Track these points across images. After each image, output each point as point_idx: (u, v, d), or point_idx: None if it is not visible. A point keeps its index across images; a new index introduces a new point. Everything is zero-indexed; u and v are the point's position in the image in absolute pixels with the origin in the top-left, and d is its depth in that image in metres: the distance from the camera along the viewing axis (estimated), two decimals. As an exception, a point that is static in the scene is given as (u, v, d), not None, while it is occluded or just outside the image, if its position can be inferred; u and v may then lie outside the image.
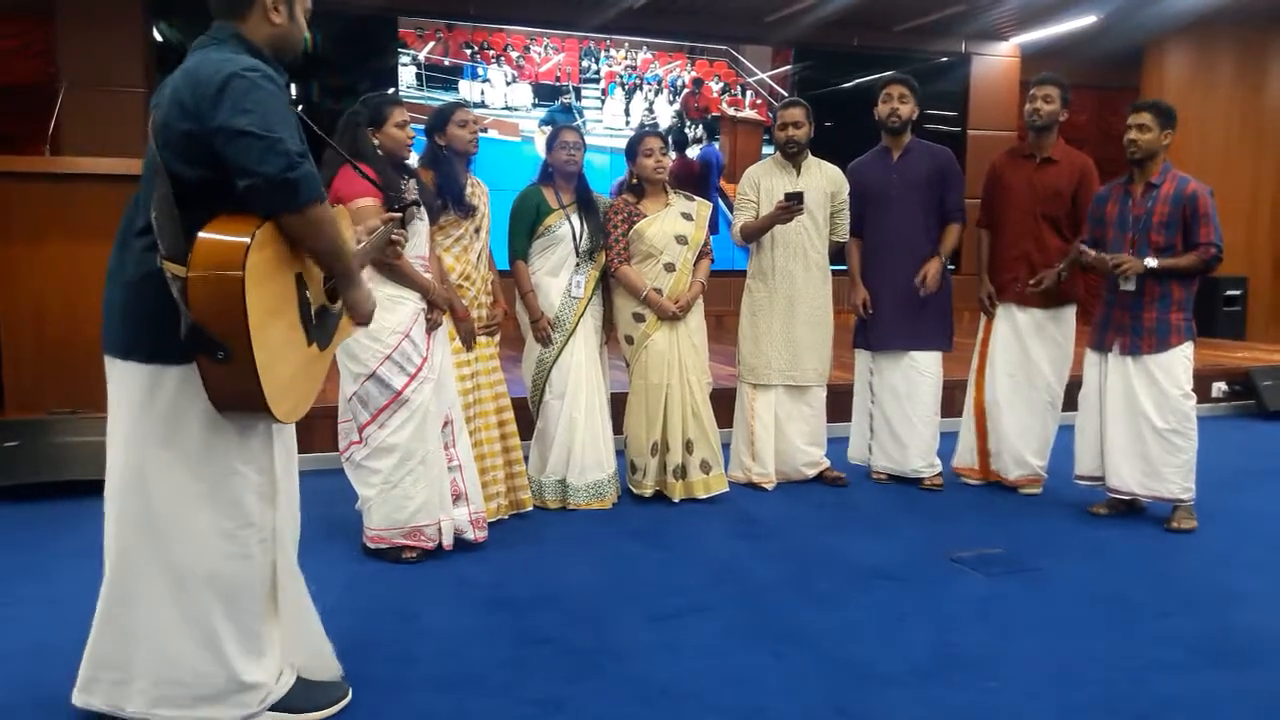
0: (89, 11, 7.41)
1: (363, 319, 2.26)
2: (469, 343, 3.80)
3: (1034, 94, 4.33)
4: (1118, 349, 3.97)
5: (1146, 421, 3.90)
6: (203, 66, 1.95)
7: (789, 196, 4.18)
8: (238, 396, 1.94)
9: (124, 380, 2.07)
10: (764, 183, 4.48)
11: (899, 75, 4.54)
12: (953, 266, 4.52)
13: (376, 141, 3.42)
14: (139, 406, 2.05)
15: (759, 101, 9.49)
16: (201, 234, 1.89)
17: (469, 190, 3.82)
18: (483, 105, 8.53)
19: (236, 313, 1.85)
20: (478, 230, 3.87)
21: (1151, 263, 3.83)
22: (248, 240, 1.87)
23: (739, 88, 9.43)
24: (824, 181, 4.49)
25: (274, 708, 2.25)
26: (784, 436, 4.55)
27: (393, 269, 3.35)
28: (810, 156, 4.53)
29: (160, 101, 2.01)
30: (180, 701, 2.13)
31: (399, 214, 2.51)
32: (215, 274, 1.86)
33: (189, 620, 2.10)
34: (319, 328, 2.15)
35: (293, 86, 7.97)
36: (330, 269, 2.14)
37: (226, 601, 2.12)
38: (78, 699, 2.18)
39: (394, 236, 2.47)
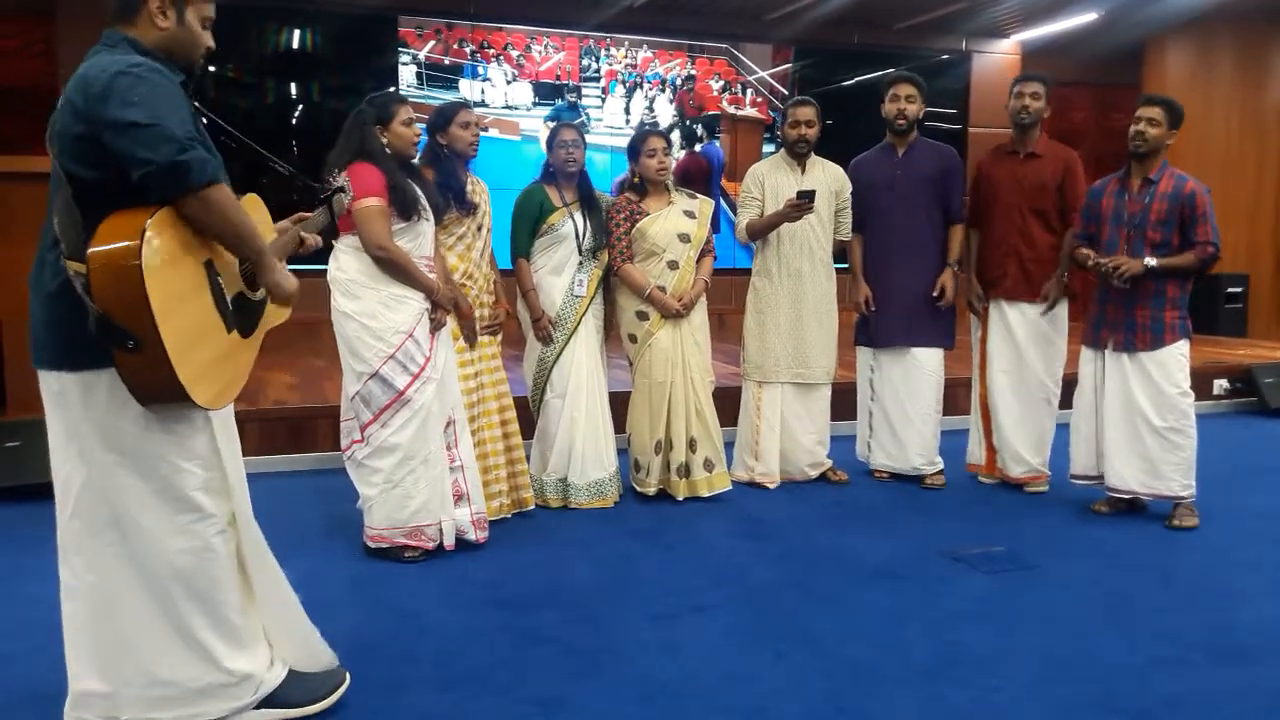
0: (89, 12, 7.38)
1: (284, 299, 2.22)
2: (471, 339, 3.80)
3: (1021, 91, 4.34)
4: (1112, 346, 3.97)
5: (1144, 420, 3.89)
6: (91, 70, 1.97)
7: (801, 195, 4.17)
8: (155, 386, 1.94)
9: (59, 392, 2.07)
10: (769, 180, 4.47)
11: (907, 74, 4.51)
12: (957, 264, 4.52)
13: (384, 139, 3.43)
14: (77, 416, 2.05)
15: (759, 100, 9.47)
16: (100, 227, 1.90)
17: (469, 188, 3.83)
18: (483, 104, 8.52)
19: (138, 298, 1.86)
20: (479, 228, 3.87)
21: (1151, 262, 3.82)
22: (143, 226, 1.88)
23: (739, 86, 9.41)
24: (829, 180, 4.48)
25: (270, 703, 2.25)
26: (790, 435, 4.54)
27: (398, 268, 3.36)
28: (814, 155, 4.53)
29: (56, 111, 2.03)
30: (173, 702, 2.14)
31: (310, 215, 2.48)
32: (114, 263, 1.87)
33: (167, 621, 2.11)
34: (239, 315, 2.15)
35: (294, 86, 8.01)
36: (236, 253, 2.12)
37: (198, 598, 2.13)
38: (70, 718, 2.16)
39: (304, 235, 2.42)
